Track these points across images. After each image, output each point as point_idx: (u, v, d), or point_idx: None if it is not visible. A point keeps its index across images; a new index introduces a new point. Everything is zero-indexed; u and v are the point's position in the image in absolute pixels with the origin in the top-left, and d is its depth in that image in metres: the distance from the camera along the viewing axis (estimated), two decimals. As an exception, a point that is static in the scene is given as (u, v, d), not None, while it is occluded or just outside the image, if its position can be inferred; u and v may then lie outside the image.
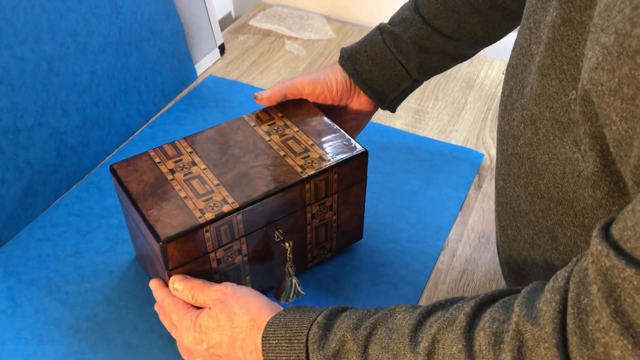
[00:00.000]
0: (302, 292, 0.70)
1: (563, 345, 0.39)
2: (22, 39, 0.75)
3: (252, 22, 1.26)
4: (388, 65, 0.73)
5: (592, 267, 0.38)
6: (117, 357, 0.66)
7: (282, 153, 0.68)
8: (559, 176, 0.49)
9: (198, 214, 0.61)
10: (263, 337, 0.54)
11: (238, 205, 0.62)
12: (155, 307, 0.65)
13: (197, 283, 0.61)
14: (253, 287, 0.70)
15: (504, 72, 0.57)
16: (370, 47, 0.74)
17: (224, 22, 1.28)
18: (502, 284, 0.75)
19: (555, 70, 0.47)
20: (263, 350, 0.54)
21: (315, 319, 0.53)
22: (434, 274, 0.76)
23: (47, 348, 0.66)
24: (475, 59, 1.16)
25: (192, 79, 1.07)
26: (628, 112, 0.38)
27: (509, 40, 1.22)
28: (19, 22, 0.74)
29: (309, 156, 0.68)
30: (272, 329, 0.54)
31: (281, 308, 0.58)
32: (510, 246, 0.61)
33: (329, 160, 0.68)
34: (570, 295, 0.40)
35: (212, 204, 0.62)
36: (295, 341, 0.52)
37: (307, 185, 0.66)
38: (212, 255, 0.63)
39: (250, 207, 0.63)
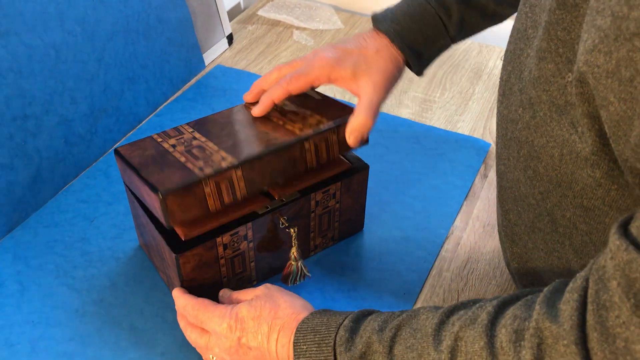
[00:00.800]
0: (308, 274, 0.70)
1: (582, 341, 0.40)
2: (30, 27, 0.76)
3: (260, 12, 1.26)
4: (429, 22, 0.70)
5: (610, 262, 0.39)
6: (123, 340, 0.66)
7: (281, 122, 0.68)
8: (557, 158, 0.49)
9: (197, 170, 0.61)
10: (294, 342, 0.55)
11: (237, 162, 0.62)
12: (178, 317, 0.65)
13: (241, 290, 0.64)
14: (257, 273, 0.71)
15: (502, 57, 0.58)
16: (407, 7, 0.71)
17: (233, 12, 1.28)
18: (506, 273, 0.75)
19: (551, 53, 0.47)
20: (294, 355, 0.55)
21: (342, 323, 0.54)
22: (438, 261, 0.76)
23: (54, 331, 0.67)
24: (483, 48, 1.16)
25: (200, 68, 1.08)
26: (626, 94, 0.38)
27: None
28: (27, 10, 0.75)
29: (307, 120, 0.68)
30: (301, 334, 0.55)
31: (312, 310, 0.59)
32: (512, 231, 0.61)
33: (327, 122, 0.68)
34: (589, 292, 0.40)
35: (211, 162, 0.62)
36: (324, 345, 0.53)
37: (307, 145, 0.66)
38: (218, 240, 0.64)
39: (249, 164, 0.62)
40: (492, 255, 0.77)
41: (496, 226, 0.81)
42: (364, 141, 0.69)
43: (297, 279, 0.70)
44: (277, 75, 0.71)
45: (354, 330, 0.53)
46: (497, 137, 0.61)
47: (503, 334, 0.44)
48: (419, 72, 0.73)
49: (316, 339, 0.54)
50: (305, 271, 0.70)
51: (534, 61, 0.50)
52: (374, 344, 0.51)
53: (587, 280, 0.42)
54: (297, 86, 0.68)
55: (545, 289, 0.45)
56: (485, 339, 0.45)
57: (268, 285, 0.62)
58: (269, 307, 0.58)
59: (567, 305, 0.41)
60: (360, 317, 0.55)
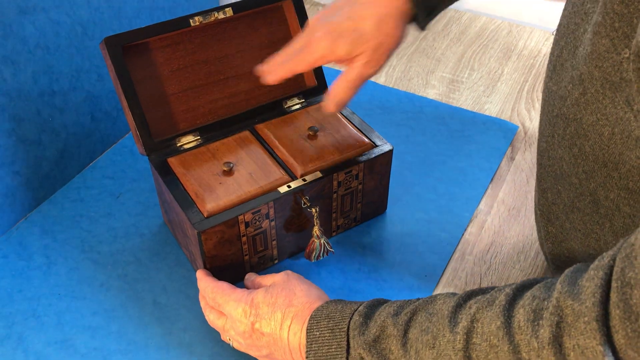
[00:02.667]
0: (331, 249, 0.71)
1: (603, 318, 0.39)
2: (57, 3, 0.76)
3: (287, -10, 1.24)
4: None
5: (638, 243, 0.37)
6: (146, 315, 0.67)
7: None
8: (607, 137, 0.48)
9: None
10: (307, 329, 0.55)
11: None
12: (200, 298, 0.65)
13: (263, 276, 0.65)
14: (279, 252, 0.71)
15: (554, 32, 0.56)
16: None
17: (259, -10, 1.27)
18: (530, 258, 0.74)
19: (606, 28, 0.46)
20: (307, 341, 0.55)
21: (357, 309, 0.54)
22: (461, 244, 0.75)
23: (79, 304, 0.69)
24: (513, 28, 1.13)
25: (226, 46, 1.08)
26: None
27: (550, 10, 1.18)
28: (55, -14, 0.76)
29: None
30: (315, 321, 0.55)
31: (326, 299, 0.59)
32: (549, 210, 0.60)
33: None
34: (615, 269, 0.39)
35: None
36: (337, 330, 0.53)
37: None
38: (240, 217, 0.64)
39: None
40: (517, 240, 0.76)
41: (521, 210, 0.80)
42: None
43: (321, 255, 0.70)
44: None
45: (368, 316, 0.53)
46: (542, 114, 0.60)
47: (521, 314, 0.44)
48: (423, 26, 0.67)
49: (330, 325, 0.54)
50: (328, 247, 0.70)
51: (588, 36, 0.48)
52: (389, 327, 0.51)
53: (614, 258, 0.40)
54: (300, 69, 0.64)
55: (567, 270, 0.44)
56: (502, 319, 0.44)
57: (288, 272, 0.63)
58: (284, 294, 0.59)
59: (591, 282, 0.40)
60: (376, 304, 0.55)
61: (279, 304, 0.58)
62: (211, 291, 0.62)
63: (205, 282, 0.63)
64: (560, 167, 0.56)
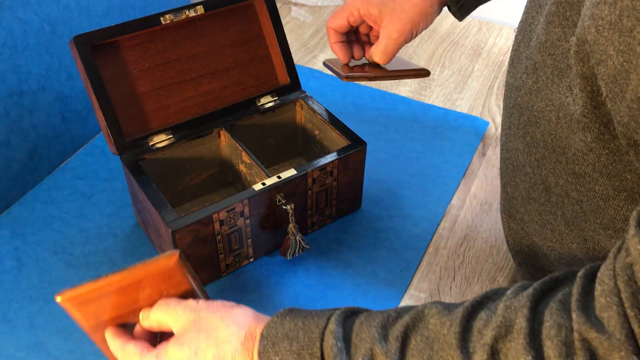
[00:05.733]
0: (307, 246, 0.71)
1: (637, 350, 0.38)
2: (25, 1, 0.75)
3: (258, -11, 1.24)
4: None
5: (637, 267, 0.37)
6: (120, 316, 0.67)
7: None
8: (554, 122, 0.49)
9: None
10: (260, 352, 0.46)
11: None
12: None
13: (161, 304, 0.53)
14: (254, 250, 0.71)
15: (515, 29, 0.58)
16: None
17: (231, -11, 1.27)
18: (502, 251, 0.75)
19: (559, 17, 0.47)
20: None
21: (327, 327, 0.46)
22: (435, 239, 0.76)
23: (51, 307, 0.67)
24: (483, 26, 1.15)
25: (198, 45, 1.07)
26: (625, 45, 0.38)
27: (518, 8, 1.20)
28: (22, -16, 0.74)
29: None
30: (270, 343, 0.46)
31: (265, 317, 0.49)
32: (510, 204, 0.62)
33: None
34: (623, 296, 0.38)
35: None
36: (307, 356, 0.45)
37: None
38: (214, 215, 0.64)
39: None
40: (489, 234, 0.77)
41: (493, 205, 0.81)
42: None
43: (296, 252, 0.70)
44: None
45: (346, 339, 0.45)
46: (503, 108, 0.61)
47: (549, 347, 0.40)
48: (459, 15, 0.71)
49: (294, 348, 0.45)
50: (303, 244, 0.70)
51: (542, 26, 0.50)
52: (378, 356, 0.43)
53: (615, 278, 0.39)
54: (335, 23, 0.70)
55: (574, 290, 0.42)
56: (533, 353, 0.40)
57: (192, 304, 0.51)
58: (203, 335, 0.48)
59: (610, 311, 0.39)
60: (346, 319, 0.47)
61: (203, 348, 0.48)
62: (124, 355, 0.52)
63: (117, 343, 0.52)
64: (516, 158, 0.57)
